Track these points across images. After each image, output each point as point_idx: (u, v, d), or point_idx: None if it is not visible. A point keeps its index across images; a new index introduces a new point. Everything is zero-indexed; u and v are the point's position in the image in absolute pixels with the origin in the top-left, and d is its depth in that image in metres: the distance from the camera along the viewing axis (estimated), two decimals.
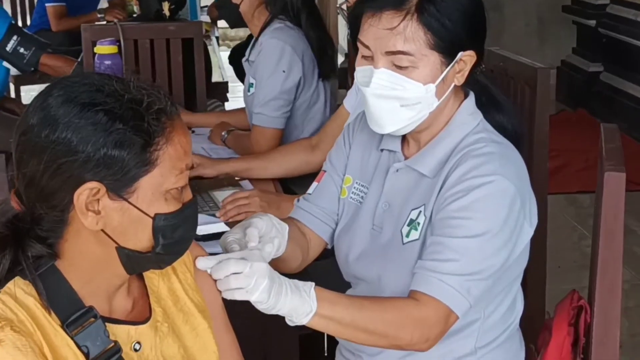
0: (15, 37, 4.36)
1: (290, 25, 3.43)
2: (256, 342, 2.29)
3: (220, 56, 6.42)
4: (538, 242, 2.86)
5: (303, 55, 3.38)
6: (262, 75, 3.39)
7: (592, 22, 7.40)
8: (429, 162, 1.94)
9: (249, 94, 3.63)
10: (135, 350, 1.55)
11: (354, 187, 2.07)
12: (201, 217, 2.64)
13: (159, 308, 1.61)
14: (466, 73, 1.91)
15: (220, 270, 1.64)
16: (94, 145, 1.41)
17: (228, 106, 5.31)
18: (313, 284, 1.72)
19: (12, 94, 6.06)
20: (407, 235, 1.93)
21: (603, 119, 6.21)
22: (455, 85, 1.92)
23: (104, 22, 5.80)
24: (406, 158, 2.00)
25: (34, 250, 1.46)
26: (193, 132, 3.72)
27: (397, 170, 1.99)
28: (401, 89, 1.86)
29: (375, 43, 1.87)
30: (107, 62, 3.51)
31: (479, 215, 1.82)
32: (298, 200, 2.17)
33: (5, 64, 4.51)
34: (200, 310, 1.66)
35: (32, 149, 1.43)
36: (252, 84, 3.59)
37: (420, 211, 1.93)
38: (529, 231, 1.93)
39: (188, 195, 1.53)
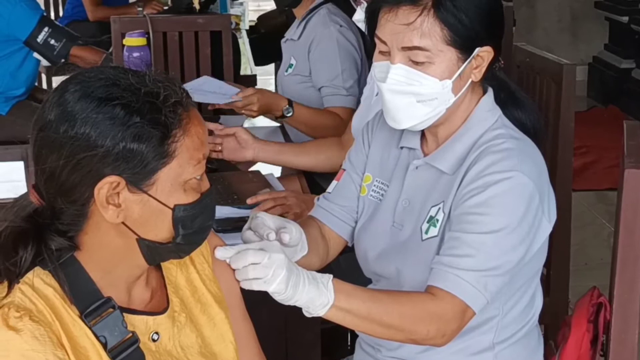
0: (46, 29, 4.39)
1: (339, 12, 3.48)
2: (278, 336, 2.30)
3: (249, 49, 6.43)
4: (561, 239, 2.87)
5: (356, 39, 3.43)
6: (321, 61, 3.41)
7: (625, 19, 7.34)
8: (448, 158, 1.94)
9: (286, 74, 3.65)
10: (154, 340, 1.56)
11: (374, 185, 2.07)
12: (226, 209, 2.67)
13: (176, 298, 1.62)
14: (484, 69, 1.90)
15: (239, 260, 1.65)
16: (113, 140, 1.42)
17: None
18: (331, 276, 1.72)
19: (44, 85, 6.10)
20: (427, 232, 1.93)
21: (634, 116, 6.17)
22: (472, 82, 1.91)
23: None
24: (425, 155, 1.99)
25: (55, 243, 1.47)
26: (221, 124, 3.73)
27: (417, 168, 1.99)
28: (417, 84, 1.86)
29: (391, 38, 1.87)
30: (136, 54, 3.53)
31: (497, 210, 1.82)
32: (318, 199, 2.18)
33: (35, 55, 4.53)
34: (218, 301, 1.67)
35: (51, 144, 1.44)
36: (292, 64, 3.61)
37: (440, 208, 1.92)
38: (547, 227, 1.92)
39: (206, 184, 1.54)
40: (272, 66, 6.43)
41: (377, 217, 2.05)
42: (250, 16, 7.14)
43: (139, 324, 1.55)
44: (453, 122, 1.95)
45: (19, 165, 2.76)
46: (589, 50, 7.87)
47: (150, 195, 1.47)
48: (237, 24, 6.12)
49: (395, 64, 1.87)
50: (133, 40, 3.55)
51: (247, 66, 6.24)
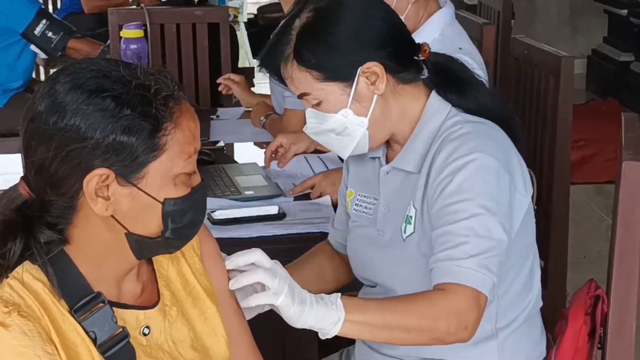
0: (44, 21, 4.39)
1: None
2: (274, 329, 2.27)
3: (247, 42, 6.42)
4: (559, 232, 2.88)
5: None
6: None
7: (624, 12, 7.34)
8: (411, 158, 1.96)
9: None
10: (145, 334, 1.55)
11: (357, 199, 2.11)
12: (223, 201, 2.67)
13: (167, 292, 1.61)
14: (384, 80, 1.92)
15: (238, 260, 1.69)
16: (103, 132, 1.41)
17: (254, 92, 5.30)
18: (339, 294, 1.73)
19: (42, 78, 6.09)
20: (405, 231, 1.96)
21: (633, 109, 6.16)
22: (379, 95, 1.92)
23: (135, 6, 5.81)
24: (391, 159, 2.02)
25: (45, 236, 1.46)
26: (218, 117, 3.74)
27: (387, 173, 2.02)
28: (325, 122, 1.94)
29: (292, 90, 1.97)
30: (133, 46, 3.52)
31: (471, 194, 1.83)
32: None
33: (33, 47, 4.53)
34: (209, 295, 1.67)
35: (41, 136, 1.43)
36: None
37: (411, 205, 1.95)
38: (523, 201, 1.95)
39: (197, 179, 1.53)
40: None
41: (364, 229, 2.07)
42: (249, 9, 7.13)
43: (130, 319, 1.54)
44: (405, 125, 1.98)
45: (17, 157, 2.77)
46: (588, 43, 7.86)
47: (139, 189, 1.46)
48: (235, 17, 6.12)
49: (307, 109, 1.96)
50: (130, 32, 3.54)
51: (245, 59, 6.23)
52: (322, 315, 1.68)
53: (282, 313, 1.67)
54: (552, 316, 2.41)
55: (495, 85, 3.85)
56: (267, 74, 2.01)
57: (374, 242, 2.03)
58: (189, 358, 1.59)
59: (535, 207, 2.89)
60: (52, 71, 6.04)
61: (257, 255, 1.67)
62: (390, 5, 2.03)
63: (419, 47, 1.98)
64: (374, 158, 2.06)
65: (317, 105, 1.93)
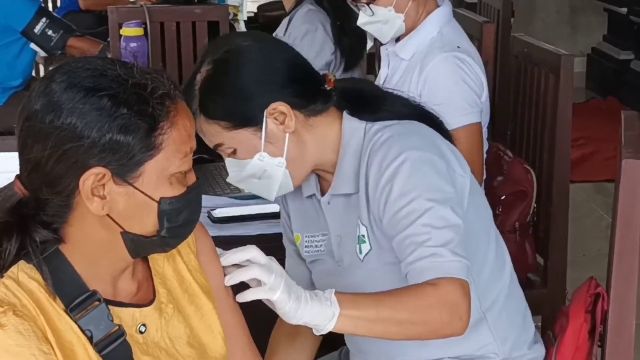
0: (44, 20, 4.39)
1: (320, 9, 3.48)
2: (272, 327, 2.29)
3: None
4: (559, 230, 2.88)
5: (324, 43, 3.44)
6: None
7: (624, 10, 7.33)
8: (345, 181, 1.97)
9: None
10: (141, 332, 1.55)
11: (306, 242, 2.11)
12: (222, 199, 2.68)
13: (163, 289, 1.61)
14: (292, 117, 1.92)
15: (233, 257, 1.68)
16: (99, 131, 1.41)
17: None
18: (333, 290, 1.73)
19: (42, 75, 6.09)
20: (361, 251, 1.97)
21: (633, 107, 6.15)
22: (291, 132, 1.93)
23: (135, 5, 5.81)
24: (327, 190, 2.03)
25: (40, 235, 1.46)
26: None
27: (329, 203, 2.03)
28: (244, 169, 1.95)
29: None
30: (133, 45, 3.53)
31: (415, 193, 1.84)
32: None
33: (32, 46, 4.53)
34: (205, 291, 1.67)
35: (37, 134, 1.43)
36: None
37: (359, 225, 1.96)
38: (465, 182, 1.97)
39: (192, 178, 1.53)
40: None
41: (323, 265, 2.08)
42: (249, 7, 7.12)
43: (126, 317, 1.54)
44: (329, 153, 1.99)
45: (16, 156, 2.76)
46: (588, 42, 7.86)
47: (135, 188, 1.46)
48: (235, 15, 6.10)
49: (226, 160, 1.97)
50: (130, 30, 3.54)
51: None
52: (317, 311, 1.69)
53: (278, 309, 1.68)
54: (552, 314, 2.42)
55: (495, 84, 3.86)
56: None
57: (337, 274, 2.03)
58: (185, 355, 1.59)
59: (535, 205, 2.91)
60: None
61: (252, 252, 1.67)
62: (287, 43, 2.05)
63: (324, 78, 1.99)
64: (310, 196, 2.07)
65: (233, 154, 1.93)
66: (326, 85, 1.99)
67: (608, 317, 1.90)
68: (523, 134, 3.13)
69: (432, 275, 1.79)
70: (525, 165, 2.95)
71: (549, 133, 2.90)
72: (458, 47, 2.74)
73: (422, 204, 1.84)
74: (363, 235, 1.96)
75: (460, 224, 1.85)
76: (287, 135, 1.93)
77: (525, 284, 2.93)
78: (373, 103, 2.02)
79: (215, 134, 1.92)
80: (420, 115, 2.04)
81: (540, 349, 2.10)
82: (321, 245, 2.07)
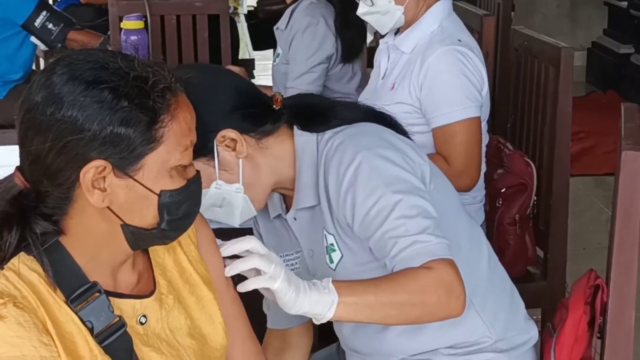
0: (44, 13, 4.39)
1: (321, 2, 3.49)
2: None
3: (248, 33, 6.42)
4: (559, 223, 2.88)
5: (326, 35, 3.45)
6: (295, 51, 3.43)
7: (624, 4, 7.33)
8: (307, 194, 1.98)
9: (274, 63, 3.68)
10: (141, 323, 1.55)
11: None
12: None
13: (163, 280, 1.62)
14: (243, 142, 1.93)
15: (233, 247, 1.69)
16: (100, 124, 1.41)
17: (254, 83, 5.30)
18: (330, 279, 1.74)
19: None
20: (332, 261, 1.98)
21: (633, 101, 6.14)
22: (243, 157, 1.93)
23: None
24: (291, 206, 2.04)
25: (40, 227, 1.46)
26: None
27: (295, 219, 2.04)
28: (204, 199, 1.88)
29: None
30: (134, 38, 3.53)
31: (379, 191, 1.85)
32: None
33: (33, 39, 4.53)
34: (206, 282, 1.67)
35: (37, 126, 1.42)
36: (280, 53, 3.64)
37: (326, 235, 1.97)
38: (424, 167, 1.97)
39: (192, 171, 1.53)
40: (271, 51, 6.42)
41: None
42: (249, 1, 7.12)
43: (126, 308, 1.54)
44: (286, 170, 1.99)
45: (17, 148, 2.76)
46: (588, 36, 7.85)
47: (136, 180, 1.46)
48: (236, 9, 6.11)
49: None
50: (130, 23, 3.54)
51: (246, 51, 6.22)
52: (316, 300, 1.70)
53: (278, 299, 1.68)
54: (552, 307, 2.42)
55: (495, 77, 3.86)
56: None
57: None
58: (186, 346, 1.59)
59: (535, 198, 2.91)
60: None
61: (252, 242, 1.68)
62: (230, 71, 2.08)
63: (271, 99, 2.00)
64: (277, 217, 2.08)
65: None
66: (274, 106, 1.99)
67: (607, 309, 1.90)
68: (523, 127, 3.14)
69: (421, 261, 1.80)
70: (526, 158, 2.95)
71: (549, 126, 2.90)
72: (459, 40, 2.74)
73: (390, 199, 1.84)
74: (332, 244, 1.97)
75: (431, 209, 1.87)
76: (241, 160, 1.94)
77: (525, 276, 2.95)
78: (322, 114, 2.02)
79: None
80: (373, 116, 2.05)
81: (534, 327, 2.12)
82: (296, 263, 2.09)
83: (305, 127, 1.99)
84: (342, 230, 1.94)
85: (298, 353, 2.21)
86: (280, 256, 2.06)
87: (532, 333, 2.11)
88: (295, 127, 2.00)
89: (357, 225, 1.88)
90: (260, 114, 1.97)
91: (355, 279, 1.88)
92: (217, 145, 1.92)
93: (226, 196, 1.94)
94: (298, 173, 1.98)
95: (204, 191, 1.85)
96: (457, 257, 1.94)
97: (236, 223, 1.99)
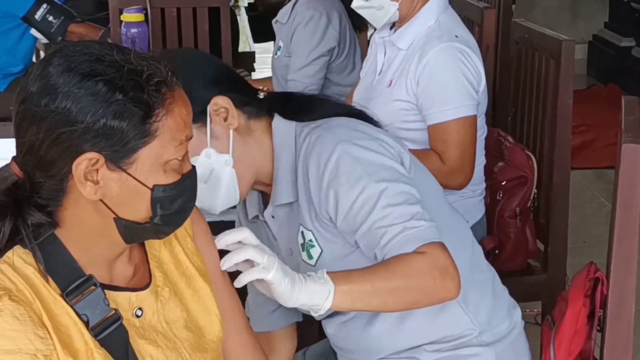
0: (44, 6, 4.39)
1: None
2: None
3: (248, 26, 6.42)
4: (559, 216, 2.88)
5: (339, 24, 3.44)
6: (297, 43, 3.43)
7: None
8: (284, 190, 1.98)
9: (275, 56, 3.68)
10: (137, 316, 1.55)
11: None
12: None
13: (159, 273, 1.61)
14: (234, 113, 1.94)
15: (226, 238, 1.69)
16: (94, 116, 1.40)
17: (255, 77, 5.31)
18: (324, 269, 1.74)
19: None
20: (311, 257, 1.97)
21: (634, 94, 6.14)
22: (234, 130, 1.94)
23: None
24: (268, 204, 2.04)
25: (34, 218, 1.46)
26: None
27: (273, 217, 2.03)
28: None
29: None
30: (134, 30, 3.53)
31: (362, 182, 1.85)
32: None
33: (33, 32, 4.53)
34: (202, 274, 1.67)
35: (32, 117, 1.42)
36: (280, 46, 3.64)
37: (303, 231, 1.96)
38: (404, 155, 1.97)
39: (187, 166, 1.52)
40: (271, 44, 6.41)
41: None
42: None
43: (122, 301, 1.54)
44: (264, 165, 1.99)
45: None
46: (589, 29, 7.84)
47: (129, 174, 1.45)
48: (236, 1, 6.11)
49: None
50: (131, 16, 3.54)
51: (246, 43, 6.22)
52: (312, 290, 1.70)
53: (273, 290, 1.68)
54: (552, 300, 2.42)
55: (496, 69, 3.86)
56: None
57: None
58: (183, 338, 1.59)
59: (536, 191, 2.91)
60: None
61: (244, 233, 1.68)
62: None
63: (256, 91, 2.02)
64: (254, 218, 2.08)
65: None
66: (260, 94, 2.00)
67: (607, 302, 1.90)
68: (524, 120, 3.13)
69: (413, 247, 1.80)
70: (526, 151, 2.95)
71: (549, 119, 2.90)
72: (456, 36, 2.74)
73: (374, 188, 1.84)
74: (310, 240, 1.96)
75: (416, 193, 1.87)
76: (231, 132, 1.93)
77: (526, 269, 2.95)
78: (302, 105, 2.03)
79: None
80: (351, 113, 2.04)
81: (518, 312, 2.12)
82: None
83: (286, 116, 2.00)
84: (321, 226, 1.93)
85: (280, 358, 2.19)
86: None
87: (515, 318, 2.10)
88: (275, 114, 2.00)
89: (342, 219, 1.88)
90: (246, 91, 1.99)
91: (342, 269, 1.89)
92: (210, 113, 1.91)
93: (215, 167, 1.92)
94: (276, 168, 1.98)
95: (192, 159, 1.85)
96: None
97: (219, 208, 1.96)
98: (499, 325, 2.06)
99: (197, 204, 1.77)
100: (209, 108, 1.91)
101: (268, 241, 2.05)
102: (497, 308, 2.07)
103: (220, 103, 1.92)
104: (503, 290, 2.13)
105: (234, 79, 2.01)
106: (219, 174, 1.93)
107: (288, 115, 2.00)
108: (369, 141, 1.91)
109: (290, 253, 2.02)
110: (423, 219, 1.83)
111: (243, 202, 2.10)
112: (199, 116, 1.89)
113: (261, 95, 2.01)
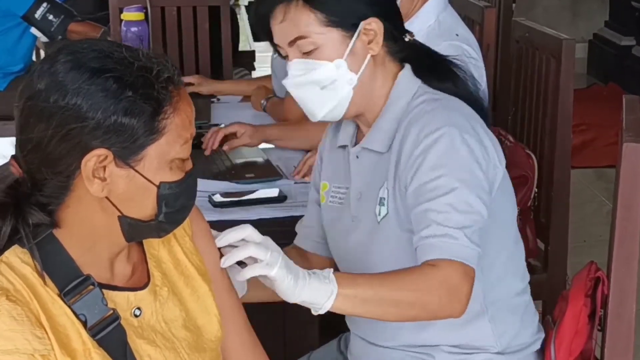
0: (44, 4, 4.38)
1: None
2: (275, 312, 2.29)
3: (248, 25, 6.42)
4: (560, 216, 2.88)
5: None
6: None
7: None
8: (378, 138, 1.97)
9: (275, 56, 3.66)
10: (136, 316, 1.55)
11: (332, 191, 2.09)
12: (223, 184, 2.68)
13: (157, 272, 1.61)
14: (380, 41, 1.94)
15: (228, 236, 1.68)
16: (104, 112, 1.41)
17: (255, 75, 5.31)
18: (331, 269, 1.73)
19: None
20: (379, 214, 1.96)
21: (634, 93, 6.14)
22: (372, 56, 1.95)
23: None
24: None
25: (34, 217, 1.46)
26: (219, 100, 3.74)
27: (357, 157, 2.02)
28: (313, 72, 1.92)
29: (280, 39, 1.95)
30: (134, 29, 3.51)
31: (446, 169, 1.84)
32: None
33: (33, 30, 4.52)
34: (201, 274, 1.66)
35: (39, 113, 1.42)
36: None
37: (384, 186, 1.95)
38: (499, 170, 1.95)
39: (189, 164, 1.53)
40: None
41: (340, 220, 2.06)
42: None
43: (120, 301, 1.53)
44: (375, 104, 1.99)
45: None
46: (589, 28, 7.85)
47: (136, 171, 1.45)
48: (236, 0, 6.11)
49: (291, 61, 1.94)
50: (131, 15, 3.53)
51: (246, 42, 6.23)
52: (315, 288, 1.68)
53: (276, 286, 1.67)
54: (553, 299, 2.42)
55: (496, 68, 3.85)
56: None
57: (352, 231, 2.02)
58: (181, 338, 1.59)
59: (536, 190, 2.91)
60: None
61: (247, 230, 1.67)
62: None
63: (406, 31, 2.02)
64: (343, 147, 2.07)
65: (309, 54, 1.92)
66: (406, 36, 2.01)
67: (608, 301, 1.90)
68: (524, 119, 3.13)
69: (439, 255, 1.78)
70: (527, 150, 2.94)
71: (550, 118, 2.89)
72: (457, 35, 2.73)
73: (449, 182, 1.83)
74: (383, 199, 1.94)
75: (483, 213, 1.84)
76: (369, 57, 1.94)
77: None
78: (436, 69, 2.02)
79: (306, 24, 1.90)
80: (475, 102, 2.02)
81: (541, 336, 2.09)
82: (342, 199, 2.06)
83: (417, 72, 2.00)
84: (398, 190, 1.92)
85: None
86: (334, 187, 2.08)
87: (537, 343, 2.08)
88: (407, 65, 2.00)
89: (411, 190, 1.87)
90: (399, 26, 2.00)
91: (391, 241, 1.90)
92: (361, 28, 1.92)
93: (338, 79, 1.92)
94: (382, 114, 1.98)
95: (319, 62, 1.91)
96: (489, 271, 1.95)
97: (319, 115, 1.97)
98: (519, 351, 2.05)
99: (302, 103, 1.91)
100: (362, 24, 1.92)
101: (344, 174, 2.06)
102: (522, 334, 2.06)
103: (373, 26, 1.92)
104: (534, 317, 2.11)
105: (396, 10, 2.01)
106: (338, 88, 1.93)
107: (419, 71, 2.00)
108: (475, 142, 1.88)
109: (358, 197, 2.01)
110: (470, 238, 1.80)
111: (335, 127, 2.11)
112: (350, 27, 1.91)
113: (407, 38, 2.01)
